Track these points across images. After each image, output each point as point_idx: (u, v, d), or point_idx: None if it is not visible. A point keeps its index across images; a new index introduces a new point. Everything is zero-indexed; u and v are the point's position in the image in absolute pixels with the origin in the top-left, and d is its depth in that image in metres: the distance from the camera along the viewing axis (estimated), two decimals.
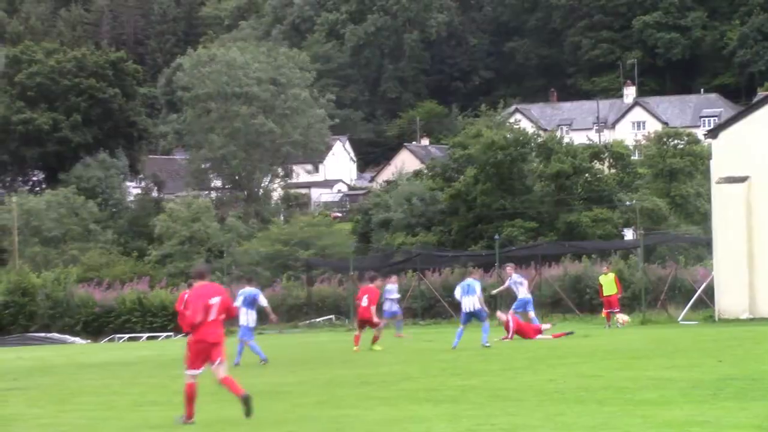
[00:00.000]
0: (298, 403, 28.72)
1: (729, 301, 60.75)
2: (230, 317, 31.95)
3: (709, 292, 64.13)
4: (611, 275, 60.19)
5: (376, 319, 49.08)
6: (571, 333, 51.56)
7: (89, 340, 76.93)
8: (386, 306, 56.90)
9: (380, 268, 77.66)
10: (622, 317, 57.63)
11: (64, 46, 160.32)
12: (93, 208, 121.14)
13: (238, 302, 40.67)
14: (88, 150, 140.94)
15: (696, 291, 67.81)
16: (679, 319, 64.02)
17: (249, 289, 42.73)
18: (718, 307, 61.00)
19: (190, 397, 24.81)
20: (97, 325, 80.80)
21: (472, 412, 25.46)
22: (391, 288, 58.12)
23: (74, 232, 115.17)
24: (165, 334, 75.68)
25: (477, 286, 44.38)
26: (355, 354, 46.39)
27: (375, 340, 48.57)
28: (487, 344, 44.02)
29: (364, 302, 48.61)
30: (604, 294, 59.61)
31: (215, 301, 25.99)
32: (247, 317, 41.60)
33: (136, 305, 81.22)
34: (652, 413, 24.21)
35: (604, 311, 60.46)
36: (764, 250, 63.31)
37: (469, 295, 44.28)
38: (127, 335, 77.62)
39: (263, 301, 42.39)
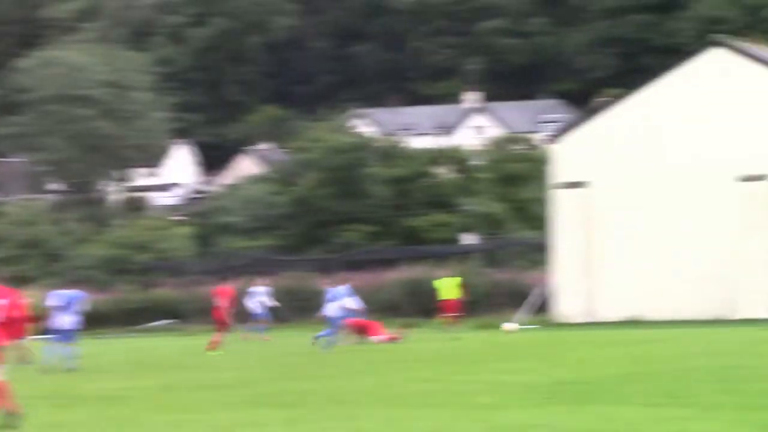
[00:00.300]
0: (136, 407, 28.50)
1: (567, 305, 61.26)
2: (18, 321, 32.23)
3: (548, 296, 64.63)
4: (453, 280, 59.96)
5: (228, 321, 49.36)
6: (399, 339, 51.78)
7: None
8: (253, 307, 59.08)
9: (218, 271, 77.51)
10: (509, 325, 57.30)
11: None
12: None
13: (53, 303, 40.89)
14: None
15: (533, 295, 68.25)
16: (516, 323, 64.28)
17: (71, 292, 42.74)
18: (556, 311, 61.50)
19: None
20: None
21: (310, 416, 25.41)
22: (259, 290, 60.04)
23: None
24: None
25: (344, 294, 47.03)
26: (193, 358, 46.25)
27: (214, 344, 48.48)
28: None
29: (219, 303, 48.76)
30: (442, 298, 59.48)
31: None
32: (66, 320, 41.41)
33: None
34: (488, 417, 24.30)
35: (441, 315, 60.28)
36: (602, 255, 63.98)
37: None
38: None
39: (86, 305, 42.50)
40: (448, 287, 59.17)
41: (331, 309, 48.62)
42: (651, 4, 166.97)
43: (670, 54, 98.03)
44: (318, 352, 46.98)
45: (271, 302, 61.22)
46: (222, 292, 49.99)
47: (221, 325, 49.47)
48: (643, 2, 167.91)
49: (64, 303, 41.14)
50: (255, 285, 61.06)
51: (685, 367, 35.04)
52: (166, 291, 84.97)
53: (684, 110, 64.45)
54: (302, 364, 41.52)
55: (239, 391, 31.85)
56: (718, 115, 64.04)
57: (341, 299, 49.43)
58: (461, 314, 59.16)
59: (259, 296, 60.01)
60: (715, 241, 63.38)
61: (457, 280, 60.22)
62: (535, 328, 62.03)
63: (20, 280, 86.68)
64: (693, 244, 62.79)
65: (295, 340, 58.82)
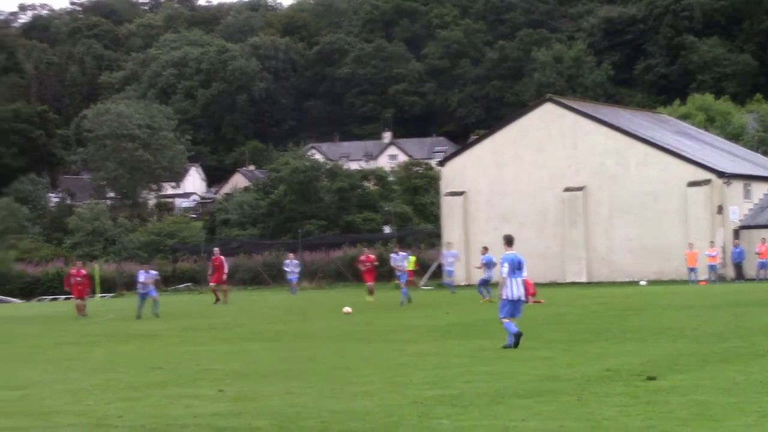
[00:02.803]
0: (166, 342, 28.40)
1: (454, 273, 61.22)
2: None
3: (439, 267, 64.69)
4: (412, 257, 58.76)
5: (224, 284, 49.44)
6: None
7: (23, 300, 75.34)
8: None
9: (222, 251, 77.09)
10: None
11: (5, 102, 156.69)
12: (26, 211, 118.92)
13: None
14: (23, 171, 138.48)
15: (431, 267, 68.33)
16: (420, 284, 64.42)
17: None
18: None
19: None
20: (29, 290, 79.20)
21: (284, 348, 25.41)
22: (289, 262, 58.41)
23: (13, 227, 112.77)
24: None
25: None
26: (204, 308, 46.04)
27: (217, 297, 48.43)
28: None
29: (215, 270, 48.83)
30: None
31: None
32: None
33: (55, 277, 79.68)
34: (403, 348, 24.32)
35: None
36: (475, 239, 64.17)
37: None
38: (49, 297, 76.13)
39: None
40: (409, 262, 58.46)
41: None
42: (504, 73, 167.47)
43: (518, 106, 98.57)
44: (284, 304, 46.72)
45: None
46: (217, 261, 49.76)
47: (218, 284, 49.47)
48: (498, 72, 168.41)
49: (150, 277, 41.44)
50: (287, 258, 60.44)
51: (530, 314, 35.26)
52: (186, 264, 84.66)
53: (526, 143, 64.86)
54: (277, 312, 41.33)
55: (235, 330, 31.81)
56: (548, 146, 64.45)
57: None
58: (412, 280, 58.14)
59: (291, 266, 58.35)
60: (550, 230, 63.81)
61: (413, 258, 59.71)
62: (431, 289, 62.12)
63: (88, 258, 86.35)
64: (536, 232, 63.18)
65: (271, 297, 58.58)
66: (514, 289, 22.90)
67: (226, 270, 49.92)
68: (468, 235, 65.14)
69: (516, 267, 22.83)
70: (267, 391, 17.25)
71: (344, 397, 16.37)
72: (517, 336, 22.77)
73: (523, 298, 23.29)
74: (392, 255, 49.84)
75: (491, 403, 15.17)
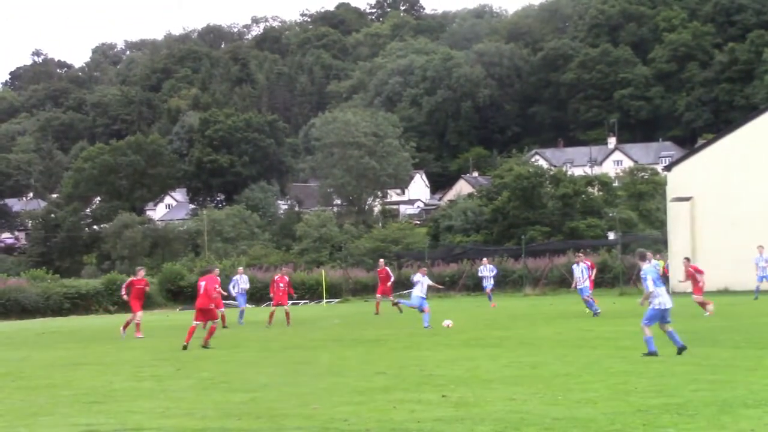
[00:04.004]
0: (391, 347, 28.64)
1: (676, 280, 59.87)
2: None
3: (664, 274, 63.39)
4: (661, 263, 58.08)
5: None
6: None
7: (252, 305, 77.13)
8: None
9: (445, 257, 77.54)
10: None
11: (237, 111, 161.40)
12: (256, 218, 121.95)
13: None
14: (253, 180, 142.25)
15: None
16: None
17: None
18: (671, 285, 60.11)
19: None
20: (259, 295, 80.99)
21: (507, 354, 25.31)
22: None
23: (243, 234, 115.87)
24: (302, 301, 75.51)
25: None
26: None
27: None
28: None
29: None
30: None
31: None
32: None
33: None
34: (627, 355, 24.01)
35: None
36: (703, 246, 62.84)
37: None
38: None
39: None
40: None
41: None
42: (734, 76, 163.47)
43: (748, 110, 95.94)
44: (508, 311, 46.50)
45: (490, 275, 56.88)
46: (381, 273, 49.54)
47: (384, 295, 48.88)
48: (727, 75, 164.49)
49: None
50: (482, 264, 56.66)
51: (758, 322, 34.27)
52: (410, 270, 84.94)
53: (757, 147, 63.07)
54: (500, 317, 41.23)
55: (457, 336, 31.84)
56: None
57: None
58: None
59: (486, 271, 55.37)
60: None
61: (662, 263, 58.68)
62: None
63: (315, 264, 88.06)
64: (765, 239, 61.32)
65: (494, 301, 58.44)
66: (665, 299, 23.39)
67: (391, 280, 49.68)
68: (695, 242, 63.74)
69: (658, 277, 23.37)
70: (489, 397, 17.27)
71: (567, 404, 16.25)
72: (681, 348, 23.39)
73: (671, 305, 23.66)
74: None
75: (718, 413, 14.83)
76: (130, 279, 38.71)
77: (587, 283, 41.61)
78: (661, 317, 23.36)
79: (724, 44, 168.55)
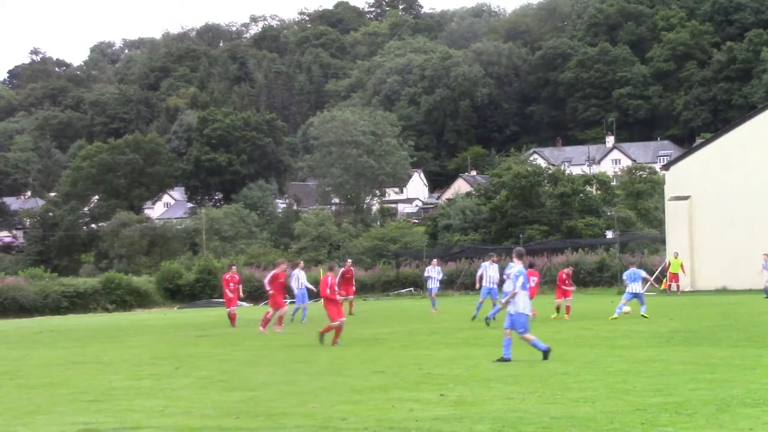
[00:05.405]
0: (390, 346, 28.64)
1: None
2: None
3: (662, 273, 63.52)
4: (678, 260, 58.33)
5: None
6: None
7: (252, 304, 77.14)
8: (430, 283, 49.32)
9: (443, 256, 77.57)
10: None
11: (236, 110, 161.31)
12: (254, 216, 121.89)
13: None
14: (251, 178, 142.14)
15: (655, 272, 67.12)
16: (643, 290, 63.32)
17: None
18: (667, 283, 60.26)
19: None
20: (258, 293, 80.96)
21: (514, 353, 25.29)
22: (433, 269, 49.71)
23: (242, 233, 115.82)
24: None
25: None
26: (426, 313, 46.25)
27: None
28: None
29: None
30: (670, 272, 57.95)
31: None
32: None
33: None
34: (626, 354, 24.03)
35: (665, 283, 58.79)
36: (701, 245, 62.88)
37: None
38: None
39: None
40: (675, 264, 57.80)
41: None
42: (732, 75, 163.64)
43: (747, 109, 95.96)
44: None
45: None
46: (347, 273, 47.12)
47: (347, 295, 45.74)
48: (725, 74, 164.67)
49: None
50: (431, 264, 51.31)
51: (757, 321, 34.35)
52: (408, 269, 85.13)
53: (756, 146, 63.08)
54: (500, 317, 41.11)
55: (456, 335, 31.89)
56: None
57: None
58: (677, 283, 57.67)
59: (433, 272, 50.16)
60: None
61: (680, 261, 58.73)
62: (654, 294, 61.09)
63: (313, 262, 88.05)
64: (766, 236, 61.31)
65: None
66: (527, 303, 23.13)
67: (352, 282, 47.89)
68: (693, 241, 63.77)
69: (526, 281, 23.17)
70: (488, 396, 17.28)
71: (565, 403, 16.26)
72: (546, 352, 23.16)
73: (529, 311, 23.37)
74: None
75: (717, 412, 14.84)
76: (274, 272, 35.91)
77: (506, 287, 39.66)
78: (519, 323, 23.01)
79: (723, 43, 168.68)
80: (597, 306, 45.52)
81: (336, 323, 29.08)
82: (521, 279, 23.03)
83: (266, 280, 35.80)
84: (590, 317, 39.04)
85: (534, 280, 39.88)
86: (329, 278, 29.77)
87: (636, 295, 37.60)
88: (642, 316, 36.28)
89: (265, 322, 35.92)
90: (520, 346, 24.04)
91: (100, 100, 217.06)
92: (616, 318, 36.62)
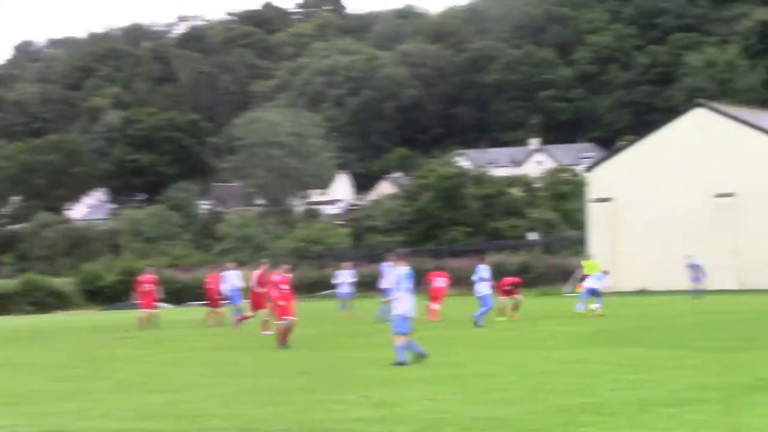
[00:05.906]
0: (313, 348, 28.50)
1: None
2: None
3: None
4: (594, 262, 57.99)
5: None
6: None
7: (173, 306, 76.66)
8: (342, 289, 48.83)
9: (367, 258, 77.59)
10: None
11: (160, 110, 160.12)
12: (177, 218, 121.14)
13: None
14: (175, 179, 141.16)
15: (575, 273, 67.59)
16: (563, 292, 63.87)
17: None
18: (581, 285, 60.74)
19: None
20: (180, 295, 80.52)
21: (428, 354, 25.29)
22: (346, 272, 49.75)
23: (165, 234, 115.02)
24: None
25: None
26: (347, 316, 46.08)
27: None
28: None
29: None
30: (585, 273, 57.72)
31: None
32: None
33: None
34: (549, 355, 24.17)
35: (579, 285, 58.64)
36: (623, 247, 63.50)
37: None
38: (200, 302, 77.31)
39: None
40: (590, 266, 57.46)
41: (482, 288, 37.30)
42: (655, 78, 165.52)
43: (668, 112, 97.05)
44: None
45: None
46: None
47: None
48: (648, 77, 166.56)
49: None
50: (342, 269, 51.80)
51: (679, 322, 34.73)
52: (331, 271, 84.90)
53: (677, 149, 63.89)
54: (421, 320, 41.23)
55: (379, 336, 31.77)
56: (699, 152, 63.39)
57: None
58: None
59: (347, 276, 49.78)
60: (698, 237, 62.64)
61: (597, 262, 58.27)
62: (576, 296, 61.51)
63: (238, 264, 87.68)
64: (685, 238, 62.11)
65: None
66: (408, 306, 22.76)
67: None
68: (615, 242, 64.39)
69: (410, 284, 22.77)
70: (410, 397, 17.29)
71: (488, 403, 16.31)
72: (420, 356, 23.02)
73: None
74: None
75: (637, 412, 14.97)
76: (259, 272, 35.41)
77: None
78: (399, 324, 22.75)
79: (645, 47, 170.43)
80: (521, 307, 45.72)
81: (284, 322, 28.81)
82: (404, 281, 22.71)
83: (253, 283, 35.62)
84: (523, 317, 39.26)
85: (443, 280, 40.55)
86: (275, 277, 29.51)
87: (593, 292, 39.16)
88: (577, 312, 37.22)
89: (265, 323, 35.13)
90: (443, 347, 24.10)
91: (20, 100, 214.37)
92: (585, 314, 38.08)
